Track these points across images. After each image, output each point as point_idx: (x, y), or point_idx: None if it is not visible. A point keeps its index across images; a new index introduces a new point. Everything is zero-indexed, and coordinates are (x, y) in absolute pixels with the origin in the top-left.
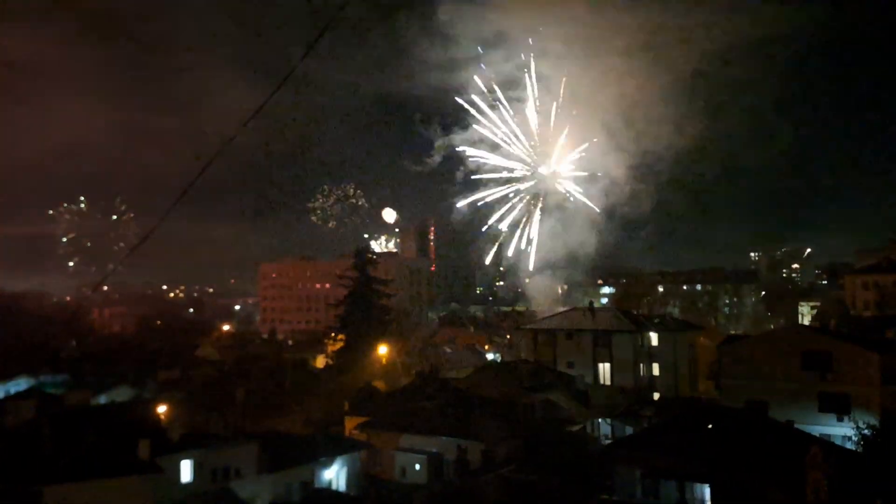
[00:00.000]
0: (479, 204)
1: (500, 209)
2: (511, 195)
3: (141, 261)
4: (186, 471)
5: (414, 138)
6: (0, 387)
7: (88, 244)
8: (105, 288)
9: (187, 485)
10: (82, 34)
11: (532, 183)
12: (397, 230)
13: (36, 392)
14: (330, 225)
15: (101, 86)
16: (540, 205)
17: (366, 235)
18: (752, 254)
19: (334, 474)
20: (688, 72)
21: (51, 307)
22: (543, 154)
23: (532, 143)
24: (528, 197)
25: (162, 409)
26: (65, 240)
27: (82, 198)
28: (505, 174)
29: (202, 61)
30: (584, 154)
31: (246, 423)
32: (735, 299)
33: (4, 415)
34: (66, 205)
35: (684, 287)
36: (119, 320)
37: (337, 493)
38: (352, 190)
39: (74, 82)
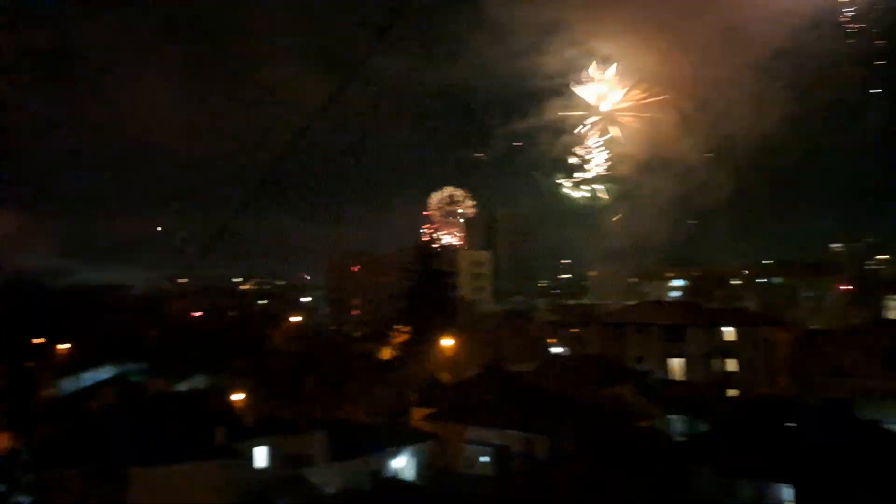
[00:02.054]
0: (545, 192)
1: (567, 197)
2: (579, 182)
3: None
4: (261, 457)
5: (477, 128)
6: (88, 374)
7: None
8: (183, 280)
9: (261, 470)
10: (160, 30)
11: (600, 169)
12: (462, 221)
13: (120, 379)
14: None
15: (178, 81)
16: (609, 192)
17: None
18: (834, 245)
19: (402, 464)
20: (770, 51)
21: (132, 298)
22: (612, 140)
23: (599, 128)
24: (595, 184)
25: (237, 396)
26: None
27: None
28: (572, 160)
29: (273, 54)
30: (655, 139)
31: (316, 411)
32: (815, 293)
33: (92, 400)
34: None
35: (760, 280)
36: (195, 311)
37: (405, 482)
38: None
39: (152, 78)
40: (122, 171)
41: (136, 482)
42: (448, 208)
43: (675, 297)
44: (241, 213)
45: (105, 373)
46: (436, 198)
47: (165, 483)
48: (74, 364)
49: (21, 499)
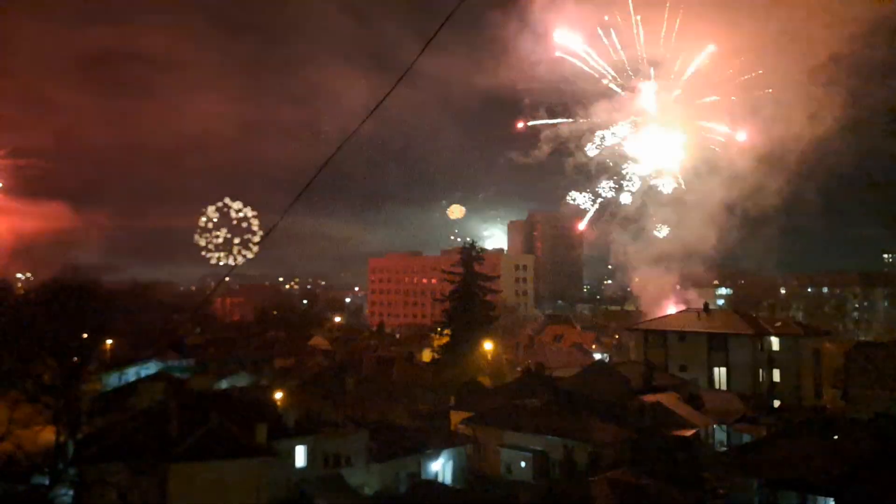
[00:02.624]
0: (589, 199)
1: (613, 202)
2: (625, 185)
3: (259, 253)
4: (300, 456)
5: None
6: (133, 369)
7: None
8: (226, 279)
9: (301, 469)
10: (209, 28)
11: (647, 173)
12: (504, 225)
13: (164, 375)
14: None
15: (226, 79)
16: (654, 196)
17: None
18: (886, 255)
19: (440, 467)
20: (825, 55)
21: (178, 296)
22: (661, 141)
23: (647, 130)
24: (643, 187)
25: (278, 395)
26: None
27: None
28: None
29: (320, 55)
30: (705, 143)
31: (356, 412)
32: (865, 303)
33: (137, 395)
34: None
35: (809, 290)
36: (238, 310)
37: (443, 485)
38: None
39: (201, 76)
40: (171, 170)
41: (176, 478)
42: None
43: (721, 306)
44: (287, 213)
45: (149, 369)
46: None
47: (206, 479)
48: (120, 359)
49: (63, 492)
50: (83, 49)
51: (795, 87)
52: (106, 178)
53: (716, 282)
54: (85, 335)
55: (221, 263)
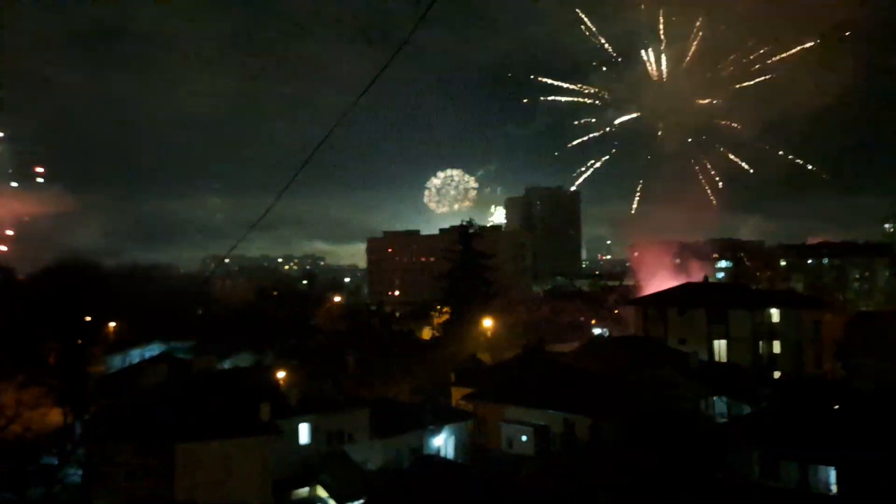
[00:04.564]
0: (587, 170)
1: (610, 173)
2: (623, 156)
3: (257, 234)
4: (304, 433)
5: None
6: (136, 351)
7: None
8: (226, 260)
9: (305, 446)
10: (204, 5)
11: (647, 142)
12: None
13: (167, 357)
14: (441, 210)
15: (218, 55)
16: (651, 166)
17: (468, 218)
18: (887, 225)
19: (442, 442)
20: (834, 25)
21: (178, 278)
22: (660, 112)
23: (648, 100)
24: (641, 159)
25: (280, 374)
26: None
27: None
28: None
29: (316, 30)
30: (707, 113)
31: (357, 390)
32: (866, 274)
33: (140, 377)
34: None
35: (809, 261)
36: (239, 291)
37: (445, 460)
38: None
39: (192, 51)
40: (167, 150)
41: (182, 456)
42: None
43: (720, 279)
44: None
45: (153, 350)
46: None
47: (211, 457)
48: (123, 341)
49: (72, 471)
50: (68, 28)
51: (802, 54)
52: (101, 158)
53: (715, 254)
54: (87, 318)
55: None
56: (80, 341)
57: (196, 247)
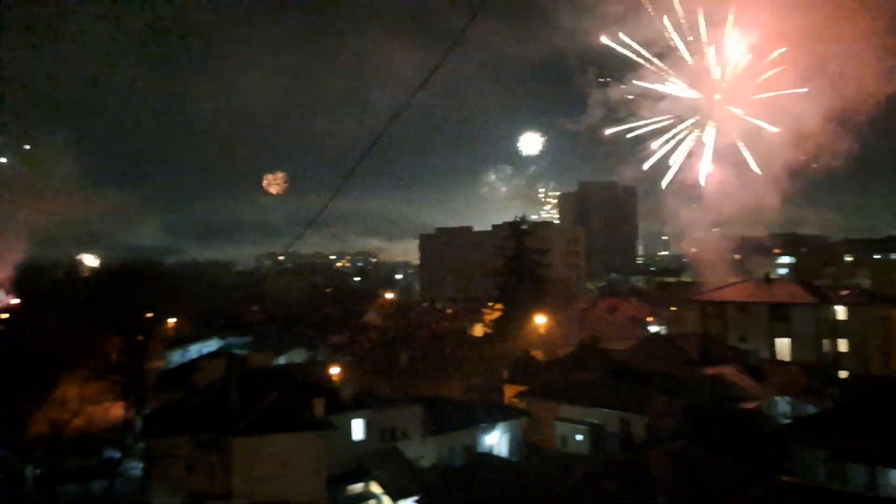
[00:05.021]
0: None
1: (667, 168)
2: (680, 150)
3: (311, 231)
4: (358, 429)
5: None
6: (194, 347)
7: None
8: (281, 258)
9: (358, 442)
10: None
11: (704, 135)
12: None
13: (224, 353)
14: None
15: (274, 54)
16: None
17: (521, 214)
18: None
19: (495, 440)
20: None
21: (235, 275)
22: (717, 103)
23: (704, 89)
24: (700, 152)
25: (334, 370)
26: None
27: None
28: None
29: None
30: (767, 101)
31: (410, 386)
32: None
33: (199, 372)
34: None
35: (876, 256)
36: (293, 288)
37: (498, 458)
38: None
39: (251, 52)
40: (223, 150)
41: (239, 451)
42: None
43: (783, 275)
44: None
45: (210, 346)
46: None
47: (268, 452)
48: (182, 337)
49: (133, 464)
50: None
51: (868, 41)
52: (160, 158)
53: (777, 250)
54: (148, 314)
55: None
56: (140, 337)
57: (252, 244)
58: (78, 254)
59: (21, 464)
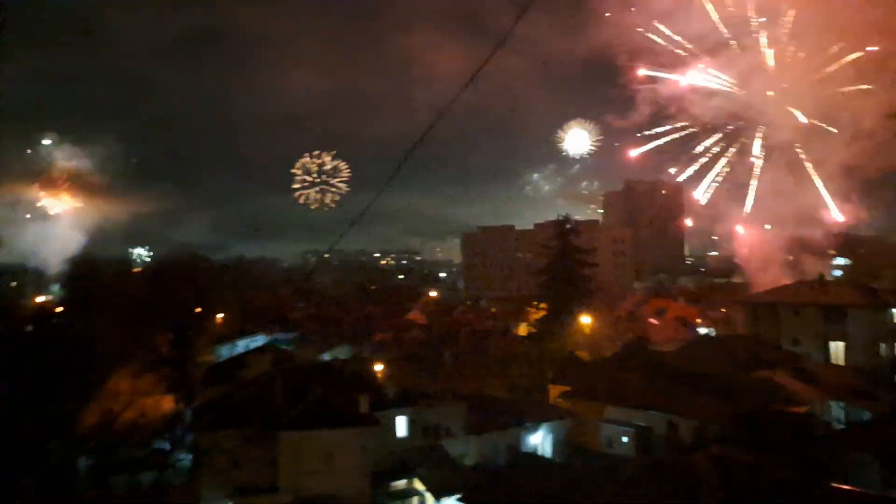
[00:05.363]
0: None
1: (716, 166)
2: (730, 148)
3: (355, 229)
4: (401, 426)
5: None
6: (242, 342)
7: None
8: (326, 255)
9: (402, 439)
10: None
11: (756, 134)
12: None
13: (271, 348)
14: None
15: (318, 54)
16: (762, 160)
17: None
18: None
19: (539, 440)
20: None
21: (280, 272)
22: (771, 100)
23: (756, 87)
24: (751, 152)
25: (378, 367)
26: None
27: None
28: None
29: (415, 24)
30: (823, 99)
31: (453, 384)
32: None
33: (246, 367)
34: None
35: None
36: (338, 285)
37: (542, 458)
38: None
39: (294, 51)
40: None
41: (285, 445)
42: None
43: (838, 277)
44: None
45: (257, 341)
46: None
47: (313, 447)
48: (230, 332)
49: (182, 456)
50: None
51: None
52: (207, 156)
53: (832, 251)
54: (197, 310)
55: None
56: (190, 332)
57: (298, 241)
58: (130, 249)
59: (74, 454)
